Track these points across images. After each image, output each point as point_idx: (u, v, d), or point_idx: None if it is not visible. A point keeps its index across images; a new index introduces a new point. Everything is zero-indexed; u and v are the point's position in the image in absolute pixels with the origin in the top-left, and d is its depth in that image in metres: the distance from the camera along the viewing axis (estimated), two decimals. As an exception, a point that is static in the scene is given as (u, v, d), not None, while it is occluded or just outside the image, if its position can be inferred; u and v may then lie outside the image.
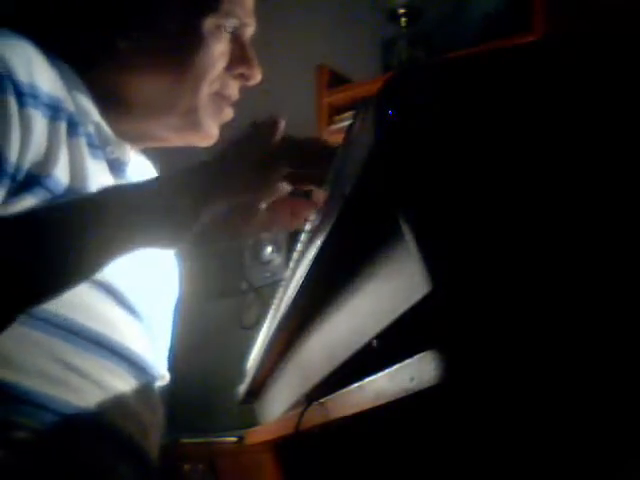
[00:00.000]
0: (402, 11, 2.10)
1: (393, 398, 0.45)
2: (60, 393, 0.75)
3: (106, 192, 0.75)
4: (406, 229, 0.40)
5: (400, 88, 0.40)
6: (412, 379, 0.41)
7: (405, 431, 0.63)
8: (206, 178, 0.71)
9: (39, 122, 0.75)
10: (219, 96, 0.90)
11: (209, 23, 0.86)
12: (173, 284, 1.00)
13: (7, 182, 0.72)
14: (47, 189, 0.75)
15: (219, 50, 0.87)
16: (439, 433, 0.56)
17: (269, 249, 1.68)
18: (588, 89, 0.41)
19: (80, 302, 0.77)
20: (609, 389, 0.38)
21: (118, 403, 0.80)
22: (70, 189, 0.77)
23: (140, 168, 0.99)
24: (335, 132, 2.13)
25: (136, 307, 0.85)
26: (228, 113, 0.92)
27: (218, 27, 0.87)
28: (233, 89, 0.91)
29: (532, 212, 0.39)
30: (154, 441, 0.89)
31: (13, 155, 0.72)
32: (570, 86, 0.41)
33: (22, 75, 0.74)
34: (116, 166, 0.87)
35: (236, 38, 0.89)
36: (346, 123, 2.05)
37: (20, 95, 0.73)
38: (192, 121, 0.88)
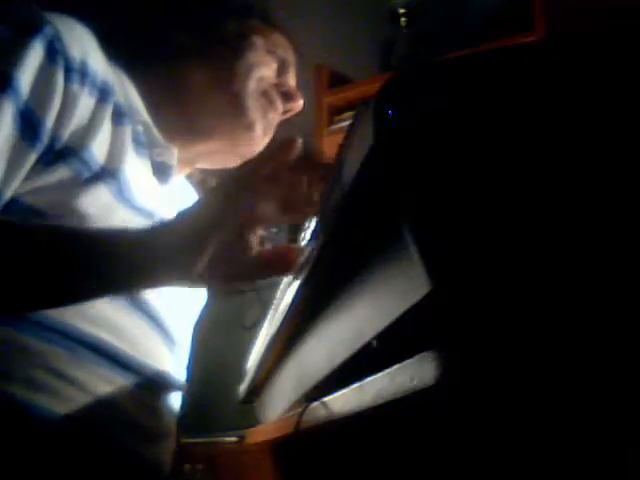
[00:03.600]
0: (402, 11, 2.11)
1: (393, 398, 0.45)
2: (49, 403, 0.73)
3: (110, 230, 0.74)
4: (406, 229, 0.40)
5: (400, 88, 0.40)
6: (412, 379, 0.41)
7: (405, 431, 0.63)
8: (206, 216, 0.67)
9: (83, 99, 0.76)
10: (267, 97, 0.94)
11: (259, 39, 0.94)
12: (200, 294, 1.01)
13: (41, 147, 0.73)
14: (82, 161, 0.76)
15: (267, 58, 0.94)
16: (439, 433, 0.56)
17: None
18: (589, 89, 0.41)
19: (81, 307, 0.76)
20: (610, 391, 0.38)
21: (113, 412, 0.79)
22: (105, 168, 0.78)
23: (186, 192, 1.00)
24: (335, 132, 2.14)
25: (156, 313, 0.85)
26: (274, 119, 0.95)
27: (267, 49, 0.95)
28: (279, 101, 0.95)
29: (533, 212, 0.39)
30: (162, 448, 0.88)
31: (49, 123, 0.74)
32: (571, 86, 0.41)
33: (75, 52, 0.76)
34: (162, 169, 0.89)
35: (285, 65, 0.97)
36: (346, 123, 2.05)
37: (69, 70, 0.75)
38: (239, 106, 0.91)
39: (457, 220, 0.39)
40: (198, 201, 0.71)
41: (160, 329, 0.86)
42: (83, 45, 0.78)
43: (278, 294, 0.81)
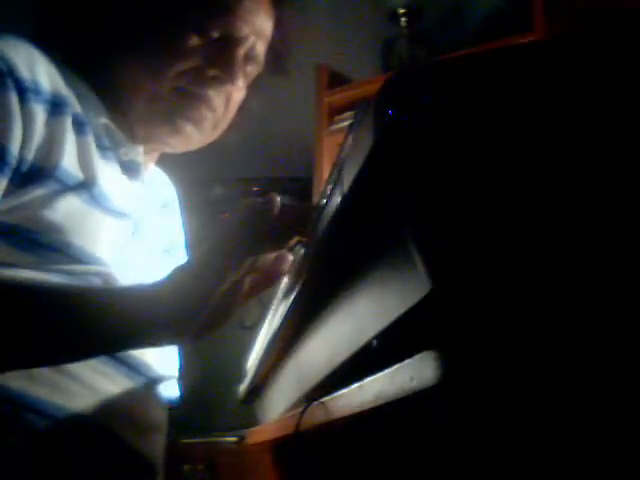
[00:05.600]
0: (402, 11, 2.11)
1: (393, 398, 0.45)
2: (48, 395, 0.74)
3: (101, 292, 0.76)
4: (406, 229, 0.40)
5: (400, 88, 0.40)
6: (412, 379, 0.41)
7: (405, 431, 0.63)
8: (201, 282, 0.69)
9: (41, 116, 0.76)
10: (189, 93, 0.85)
11: (193, 22, 0.84)
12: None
13: (9, 172, 0.73)
14: (57, 180, 0.76)
15: (191, 46, 0.84)
16: (439, 433, 0.57)
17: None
18: (588, 89, 0.41)
19: None
20: (609, 390, 0.38)
21: (110, 405, 0.80)
22: (82, 183, 0.78)
23: (157, 179, 0.99)
24: (335, 132, 2.14)
25: None
26: (202, 114, 0.87)
27: (201, 27, 0.85)
28: (207, 90, 0.86)
29: (532, 212, 0.39)
30: (155, 442, 0.89)
31: (14, 148, 0.73)
32: (571, 86, 0.41)
33: (24, 72, 0.75)
34: (130, 167, 0.88)
35: (224, 43, 0.86)
36: (346, 123, 2.05)
37: (22, 91, 0.74)
38: (158, 112, 0.85)
39: (457, 220, 0.39)
40: (193, 262, 0.71)
41: None
42: (30, 62, 0.76)
43: (278, 294, 0.81)
